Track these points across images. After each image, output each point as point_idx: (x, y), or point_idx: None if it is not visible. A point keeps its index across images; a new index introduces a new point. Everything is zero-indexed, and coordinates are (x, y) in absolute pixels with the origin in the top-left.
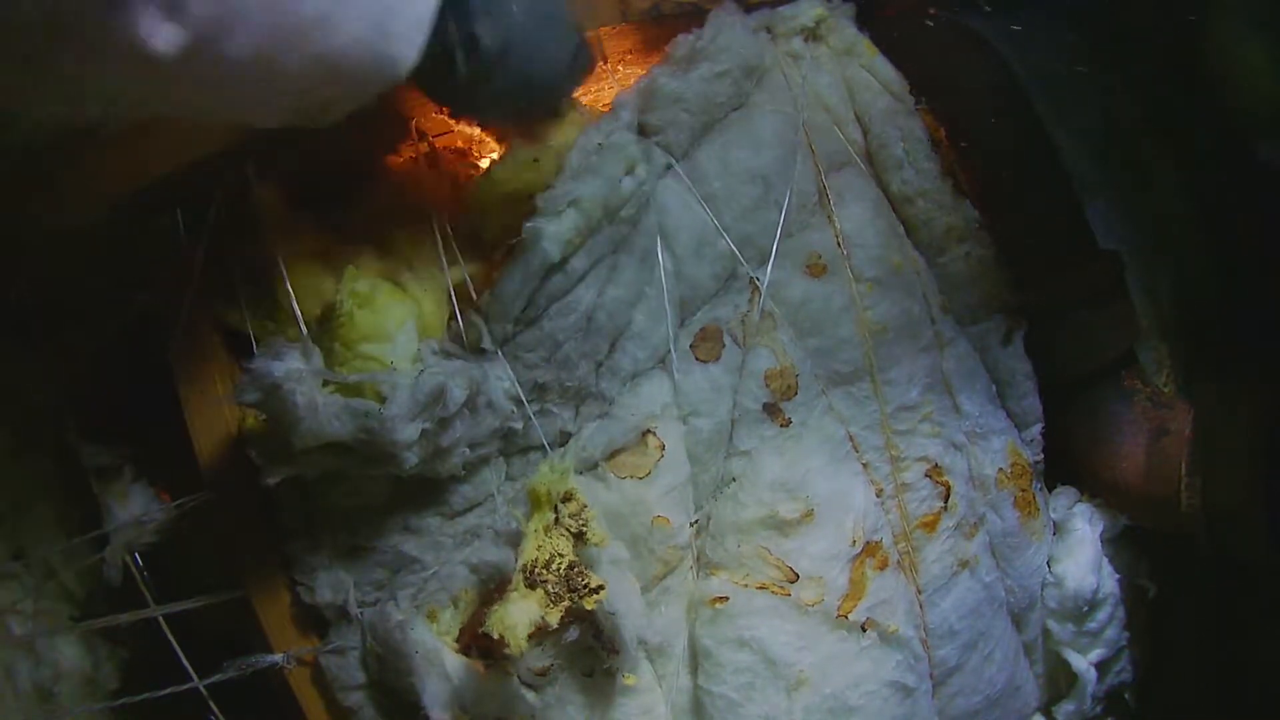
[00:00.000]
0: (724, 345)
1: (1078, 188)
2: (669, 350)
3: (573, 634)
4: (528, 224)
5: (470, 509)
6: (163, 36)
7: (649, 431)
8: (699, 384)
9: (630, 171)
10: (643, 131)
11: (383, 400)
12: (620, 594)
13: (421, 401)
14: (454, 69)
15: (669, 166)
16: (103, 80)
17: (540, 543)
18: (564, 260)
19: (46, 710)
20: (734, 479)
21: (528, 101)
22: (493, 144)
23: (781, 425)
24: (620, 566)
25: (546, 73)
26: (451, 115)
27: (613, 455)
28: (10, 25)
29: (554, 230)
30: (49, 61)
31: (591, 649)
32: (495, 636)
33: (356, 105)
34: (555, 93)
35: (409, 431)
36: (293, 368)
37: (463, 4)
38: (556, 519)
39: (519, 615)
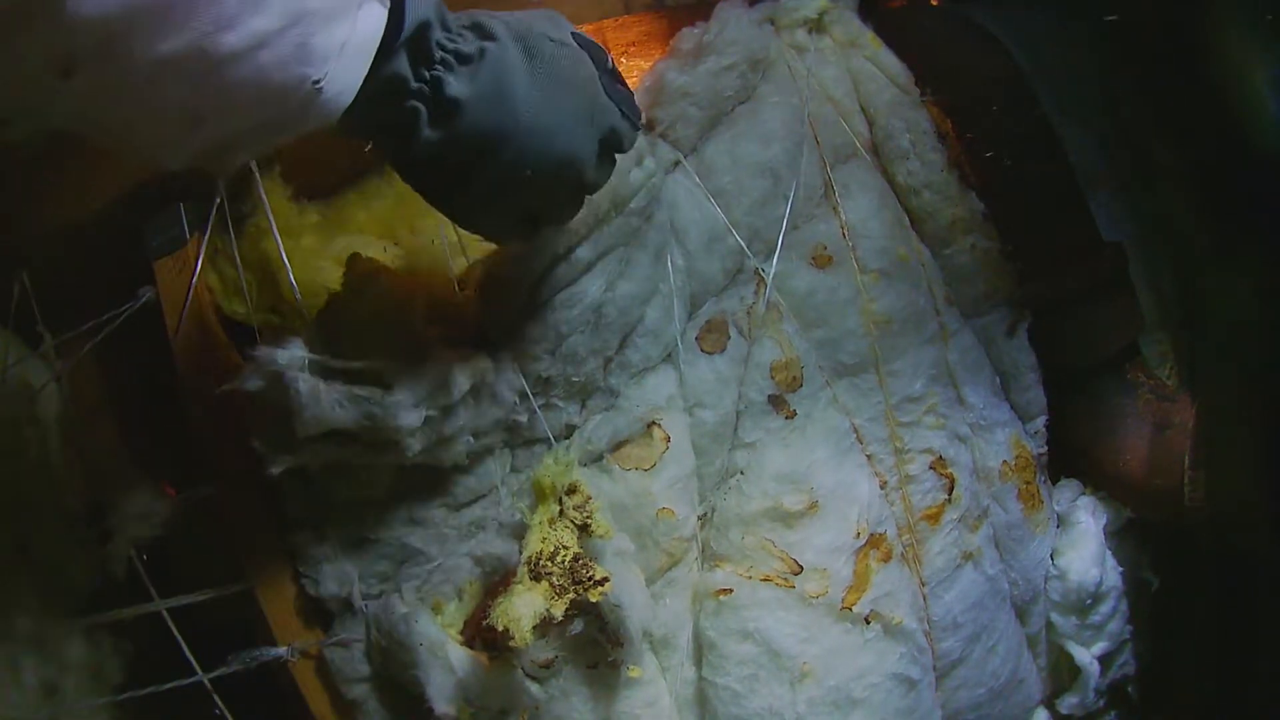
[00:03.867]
0: (729, 337)
1: (1082, 180)
2: (675, 343)
3: (577, 626)
4: None
5: (475, 501)
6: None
7: (654, 423)
8: (704, 376)
9: (639, 163)
10: (650, 127)
11: (386, 387)
12: (625, 586)
13: (424, 388)
14: (417, 137)
15: (677, 162)
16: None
17: (545, 535)
18: (569, 251)
19: (51, 704)
20: (739, 471)
21: (528, 204)
22: None
23: (787, 417)
24: (625, 559)
25: (559, 163)
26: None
27: (618, 447)
28: None
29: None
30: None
31: (596, 641)
32: (500, 629)
33: (270, 145)
34: (568, 196)
35: (412, 418)
36: (295, 355)
37: (427, 38)
38: (561, 511)
39: (524, 607)
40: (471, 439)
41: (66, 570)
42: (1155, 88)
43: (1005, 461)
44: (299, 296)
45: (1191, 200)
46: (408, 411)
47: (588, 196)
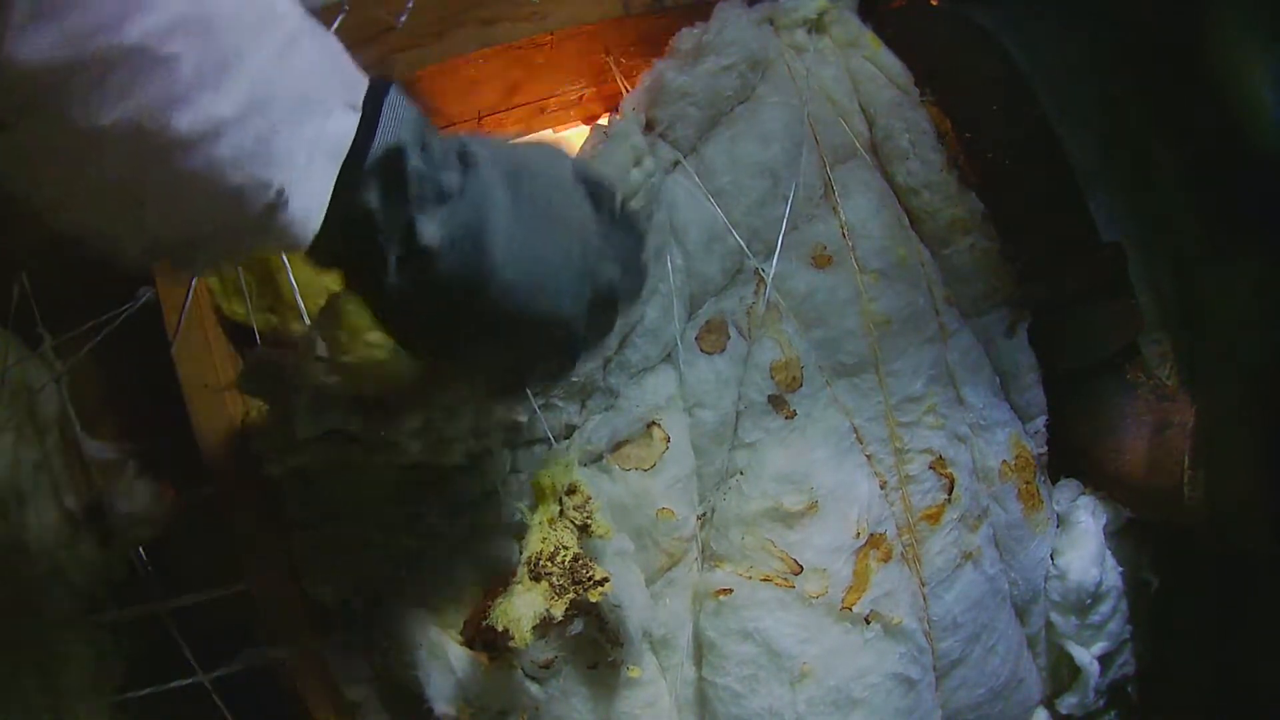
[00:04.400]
0: (729, 337)
1: (1081, 180)
2: (675, 343)
3: (577, 626)
4: None
5: (474, 501)
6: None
7: (654, 423)
8: (704, 376)
9: (638, 162)
10: (650, 127)
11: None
12: (625, 586)
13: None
14: (382, 277)
15: (676, 163)
16: None
17: (545, 535)
18: None
19: (51, 705)
20: (739, 471)
21: (505, 363)
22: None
23: (786, 417)
24: (625, 559)
25: (541, 321)
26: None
27: (617, 447)
28: None
29: None
30: None
31: (596, 641)
32: (500, 629)
33: (233, 255)
34: (555, 355)
35: (412, 419)
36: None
37: (401, 166)
38: (561, 511)
39: (524, 608)
40: (472, 440)
41: (66, 570)
42: (1155, 88)
43: (1005, 461)
44: (299, 297)
45: (1191, 200)
46: (408, 412)
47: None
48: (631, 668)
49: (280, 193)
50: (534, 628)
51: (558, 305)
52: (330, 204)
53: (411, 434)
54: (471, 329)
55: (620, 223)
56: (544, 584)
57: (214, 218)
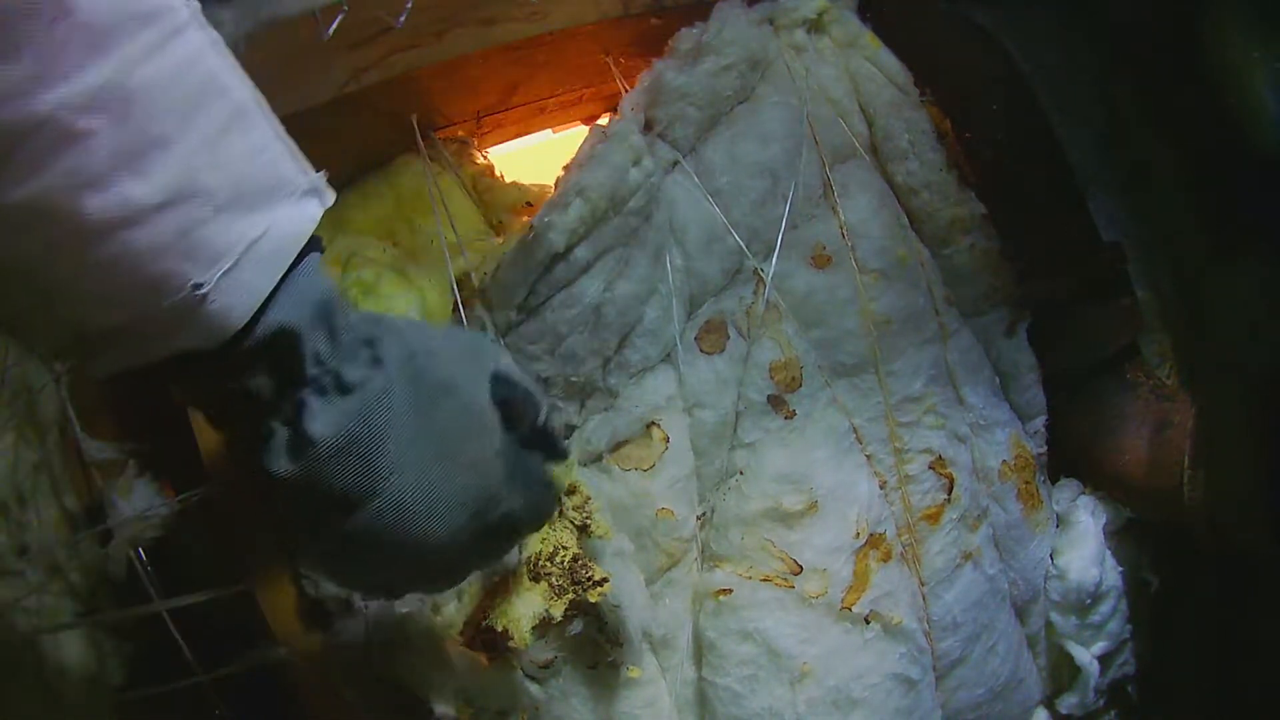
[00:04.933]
0: (728, 337)
1: (1080, 180)
2: (675, 343)
3: (577, 627)
4: (535, 220)
5: None
6: None
7: (653, 424)
8: (703, 376)
9: (637, 162)
10: (649, 127)
11: None
12: (624, 587)
13: None
14: (268, 460)
15: (676, 163)
16: None
17: (544, 535)
18: (568, 250)
19: (51, 706)
20: (738, 471)
21: (380, 579)
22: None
23: (786, 417)
24: (624, 559)
25: (425, 549)
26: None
27: (617, 447)
28: None
29: (560, 221)
30: None
31: (596, 642)
32: (499, 629)
33: (143, 354)
34: (437, 578)
35: None
36: None
37: (295, 349)
38: (560, 511)
39: (523, 608)
40: None
41: (66, 570)
42: (1155, 88)
43: (1005, 461)
44: None
45: (1191, 200)
46: None
47: (584, 199)
48: (631, 668)
49: (198, 288)
50: (533, 628)
51: (444, 534)
52: (217, 369)
53: None
54: (344, 537)
55: (540, 434)
56: (543, 584)
57: (126, 310)
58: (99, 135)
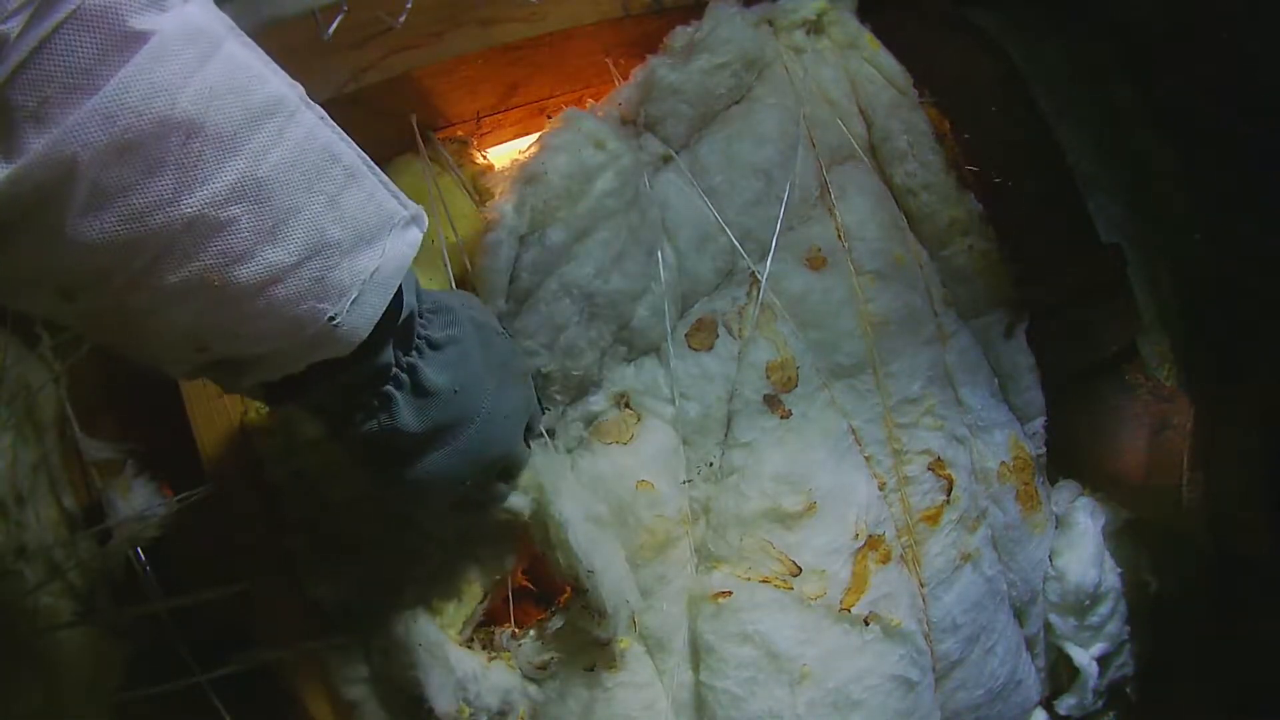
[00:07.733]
0: (718, 336)
1: (1080, 181)
2: (664, 339)
3: (557, 623)
4: (496, 204)
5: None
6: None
7: (625, 400)
8: (689, 369)
9: (600, 146)
10: (640, 121)
11: None
12: (600, 551)
13: None
14: (378, 420)
15: (668, 158)
16: None
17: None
18: (539, 233)
19: (50, 706)
20: (736, 471)
21: (463, 488)
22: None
23: (782, 417)
24: (601, 525)
25: (504, 452)
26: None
27: (593, 423)
28: None
29: (514, 200)
30: None
31: (585, 633)
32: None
33: (278, 372)
34: (491, 480)
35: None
36: None
37: (411, 324)
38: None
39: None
40: None
41: (66, 570)
42: (1155, 88)
43: (1004, 462)
44: None
45: (1191, 200)
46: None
47: (537, 181)
48: (621, 639)
49: (333, 319)
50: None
51: (514, 435)
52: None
53: None
54: (446, 460)
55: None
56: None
57: (272, 343)
58: (240, 220)
